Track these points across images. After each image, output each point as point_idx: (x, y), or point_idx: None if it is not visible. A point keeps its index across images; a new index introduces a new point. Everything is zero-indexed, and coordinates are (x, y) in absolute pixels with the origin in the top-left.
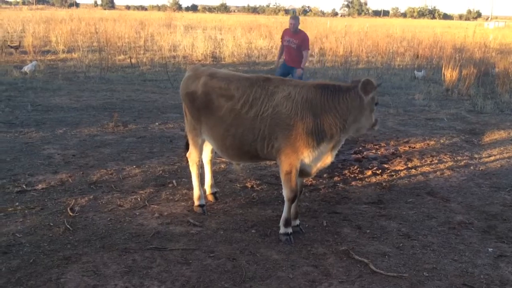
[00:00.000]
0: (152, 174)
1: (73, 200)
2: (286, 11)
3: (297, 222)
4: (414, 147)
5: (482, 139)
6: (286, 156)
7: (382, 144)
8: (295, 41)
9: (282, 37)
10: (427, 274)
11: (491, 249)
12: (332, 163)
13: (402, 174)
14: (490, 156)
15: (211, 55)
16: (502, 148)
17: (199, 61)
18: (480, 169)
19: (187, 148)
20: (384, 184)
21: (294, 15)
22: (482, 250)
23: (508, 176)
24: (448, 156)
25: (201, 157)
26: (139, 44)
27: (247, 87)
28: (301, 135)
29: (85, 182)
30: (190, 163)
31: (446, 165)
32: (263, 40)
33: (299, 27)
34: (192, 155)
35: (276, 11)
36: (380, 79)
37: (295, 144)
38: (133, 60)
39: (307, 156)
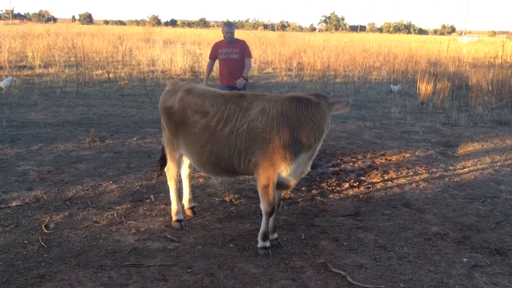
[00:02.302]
0: (129, 190)
1: (48, 217)
2: (265, 26)
3: (275, 235)
4: (390, 159)
5: (457, 151)
6: (264, 170)
7: (359, 157)
8: (236, 50)
9: (215, 52)
10: (403, 285)
11: (466, 260)
12: (310, 176)
13: (378, 186)
14: (464, 167)
15: (190, 70)
16: (476, 160)
17: (178, 75)
18: (455, 180)
19: (162, 164)
20: (361, 196)
21: (229, 22)
22: (457, 260)
23: (481, 187)
24: (423, 168)
25: (179, 171)
26: (117, 58)
27: (222, 103)
28: (278, 148)
29: (60, 198)
30: (168, 178)
31: (422, 177)
32: None
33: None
34: (170, 170)
35: (255, 26)
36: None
37: (272, 158)
38: (110, 75)
39: (284, 169)
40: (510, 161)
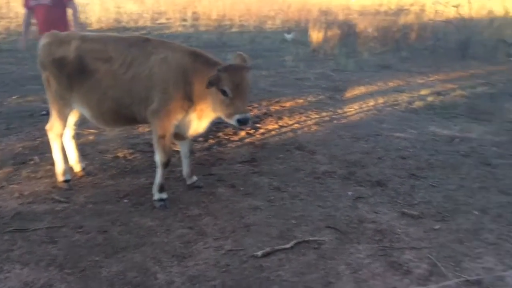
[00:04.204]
0: (10, 152)
1: None
2: None
3: (194, 178)
4: (285, 106)
5: (344, 95)
6: (160, 120)
7: (255, 105)
8: None
9: None
10: (294, 222)
11: (351, 193)
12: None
13: (273, 132)
14: (351, 110)
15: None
16: (361, 102)
17: None
18: (342, 122)
19: None
20: (256, 143)
21: None
22: (343, 194)
23: (366, 127)
24: (314, 112)
25: (65, 130)
26: None
27: (125, 47)
28: (174, 100)
29: None
30: (52, 137)
31: (313, 121)
32: (133, 4)
33: None
34: (54, 128)
35: None
36: (230, 68)
37: (168, 108)
38: None
39: (180, 120)
40: (391, 102)
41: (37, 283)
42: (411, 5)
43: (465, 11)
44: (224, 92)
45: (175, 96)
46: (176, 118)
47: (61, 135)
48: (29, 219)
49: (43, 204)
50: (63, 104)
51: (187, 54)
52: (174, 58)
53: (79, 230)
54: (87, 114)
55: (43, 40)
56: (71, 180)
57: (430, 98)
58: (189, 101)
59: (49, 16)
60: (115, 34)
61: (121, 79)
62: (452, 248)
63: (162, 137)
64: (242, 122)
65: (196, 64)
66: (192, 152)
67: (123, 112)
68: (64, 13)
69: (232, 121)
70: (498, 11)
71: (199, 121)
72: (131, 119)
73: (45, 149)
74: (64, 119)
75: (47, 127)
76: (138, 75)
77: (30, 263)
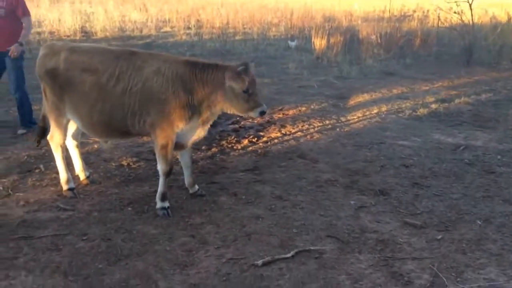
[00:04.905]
0: (16, 161)
1: None
2: None
3: (196, 187)
4: (288, 114)
5: (348, 102)
6: (162, 130)
7: None
8: (1, 3)
9: None
10: (296, 231)
11: (353, 202)
12: (210, 134)
13: (276, 140)
14: (354, 117)
15: (81, 30)
16: (364, 110)
17: (68, 36)
18: (345, 130)
19: (40, 134)
20: (259, 151)
21: None
22: (345, 203)
23: (369, 135)
24: (317, 120)
25: (66, 140)
26: None
27: (112, 60)
28: (175, 108)
29: None
30: (54, 146)
31: (316, 129)
32: (138, 13)
33: None
34: (55, 137)
35: None
36: (247, 67)
37: (170, 117)
38: None
39: (182, 128)
40: (395, 109)
41: None
42: (414, 11)
43: (467, 17)
44: (247, 91)
45: (176, 106)
46: (178, 127)
47: (62, 145)
48: (34, 226)
49: (48, 212)
50: (59, 114)
51: (181, 63)
52: (169, 69)
53: (84, 237)
54: (79, 125)
55: (41, 51)
56: (76, 188)
57: (434, 106)
58: (191, 109)
59: (1, 27)
60: (103, 45)
61: (110, 92)
62: (454, 259)
63: (165, 147)
64: (264, 113)
65: (196, 71)
66: (192, 161)
67: (115, 124)
68: (15, 26)
69: (255, 114)
70: (501, 16)
71: (202, 127)
72: (124, 132)
73: (50, 157)
74: (62, 128)
75: (48, 137)
76: (130, 89)
77: (35, 270)
